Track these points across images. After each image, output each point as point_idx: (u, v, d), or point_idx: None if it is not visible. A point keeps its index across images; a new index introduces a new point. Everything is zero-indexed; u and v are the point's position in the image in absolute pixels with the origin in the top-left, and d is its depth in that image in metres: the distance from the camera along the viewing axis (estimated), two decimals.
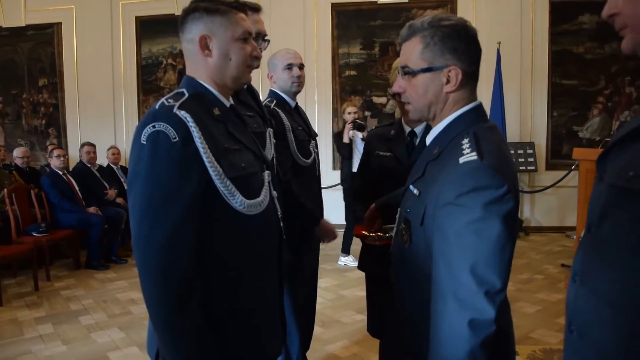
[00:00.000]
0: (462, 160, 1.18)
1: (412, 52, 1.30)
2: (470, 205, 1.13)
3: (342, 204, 6.36)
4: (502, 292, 1.14)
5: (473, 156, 1.17)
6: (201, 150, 1.30)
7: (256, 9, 2.17)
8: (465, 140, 1.22)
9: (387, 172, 2.27)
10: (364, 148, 2.53)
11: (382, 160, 2.35)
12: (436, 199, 1.21)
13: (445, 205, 1.17)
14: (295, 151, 2.56)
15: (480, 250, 1.13)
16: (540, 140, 7.25)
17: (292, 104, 2.72)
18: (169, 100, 1.35)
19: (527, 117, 7.26)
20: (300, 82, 2.67)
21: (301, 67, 2.67)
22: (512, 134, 7.08)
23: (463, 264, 1.14)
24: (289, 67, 2.62)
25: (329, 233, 2.61)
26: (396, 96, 2.20)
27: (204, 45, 1.41)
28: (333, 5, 7.52)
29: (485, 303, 1.12)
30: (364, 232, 2.04)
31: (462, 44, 1.26)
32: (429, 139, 1.37)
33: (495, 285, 1.13)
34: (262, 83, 6.83)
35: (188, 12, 1.43)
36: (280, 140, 2.42)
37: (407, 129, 2.27)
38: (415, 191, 1.32)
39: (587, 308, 0.96)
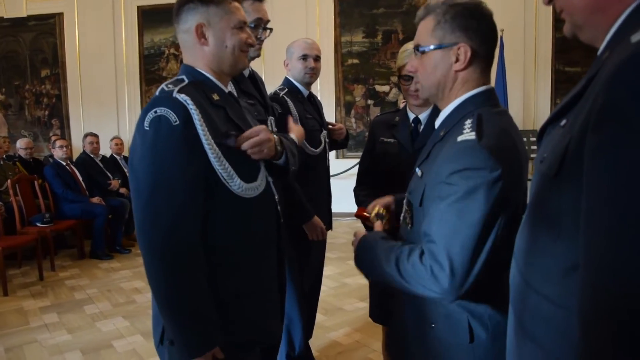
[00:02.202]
0: (459, 138, 1.19)
1: (425, 30, 1.31)
2: (459, 184, 1.14)
3: (347, 192, 6.35)
4: (468, 277, 1.15)
5: (471, 136, 1.17)
6: (201, 133, 1.31)
7: None
8: (469, 121, 1.23)
9: (390, 159, 2.27)
10: (369, 134, 2.54)
11: (385, 147, 2.35)
12: (434, 178, 1.22)
13: (438, 184, 1.19)
14: (303, 141, 2.55)
15: (458, 232, 1.14)
16: None
17: (305, 92, 2.72)
18: (169, 85, 1.38)
19: (531, 105, 7.22)
20: (313, 73, 2.69)
21: (317, 58, 2.68)
22: (515, 122, 7.01)
23: (440, 241, 1.16)
24: (304, 57, 2.64)
25: (316, 231, 2.56)
26: (401, 79, 2.21)
27: (200, 33, 1.43)
28: None
29: (446, 281, 1.15)
30: (365, 213, 2.04)
31: (474, 22, 1.26)
32: (437, 122, 1.38)
33: (463, 268, 1.14)
34: (265, 73, 6.82)
35: (183, 3, 1.45)
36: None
37: (412, 116, 2.27)
38: (419, 172, 1.33)
39: (516, 286, 0.99)
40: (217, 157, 1.34)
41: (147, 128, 1.30)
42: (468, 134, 1.19)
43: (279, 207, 1.58)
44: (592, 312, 0.70)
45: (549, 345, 0.88)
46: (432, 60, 1.30)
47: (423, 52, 1.31)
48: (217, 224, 1.39)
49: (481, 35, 1.27)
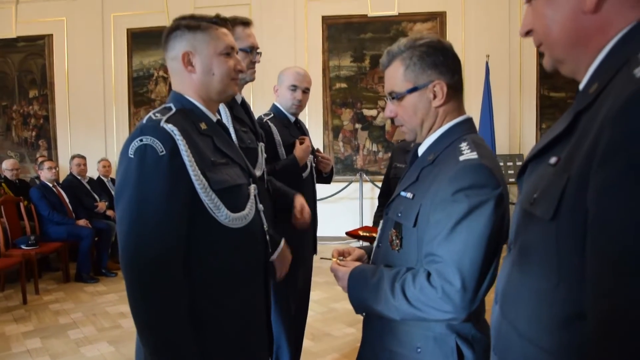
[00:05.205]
0: (462, 158, 1.24)
1: (395, 76, 1.35)
2: (466, 201, 1.18)
3: (334, 216, 6.37)
4: (479, 292, 1.19)
5: (474, 155, 1.23)
6: (187, 163, 1.31)
7: (247, 23, 2.20)
8: (464, 144, 1.28)
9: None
10: (389, 159, 2.80)
11: (397, 171, 2.60)
12: (433, 197, 1.24)
13: (442, 202, 1.21)
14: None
15: (467, 248, 1.17)
16: (529, 152, 7.28)
17: (292, 119, 2.75)
18: (157, 114, 1.37)
19: (516, 129, 7.32)
20: (299, 105, 2.71)
21: (306, 90, 2.70)
22: (501, 146, 7.14)
23: (450, 259, 1.18)
24: (294, 88, 2.65)
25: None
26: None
27: (187, 61, 1.43)
28: (324, 18, 7.57)
29: (458, 298, 1.17)
30: (360, 232, 2.10)
31: (441, 57, 1.31)
32: (422, 149, 1.41)
33: (474, 283, 1.17)
34: (254, 96, 6.86)
35: (171, 31, 1.46)
36: (271, 154, 2.44)
37: None
38: (409, 195, 1.34)
39: (502, 333, 0.94)
40: (204, 187, 1.34)
41: (132, 156, 1.29)
42: (469, 154, 1.24)
43: (267, 237, 1.57)
44: None
45: None
46: (410, 102, 1.34)
47: (400, 98, 1.35)
48: (202, 253, 1.38)
49: (450, 68, 1.32)
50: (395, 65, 1.34)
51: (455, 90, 1.35)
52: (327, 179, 2.98)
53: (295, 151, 2.56)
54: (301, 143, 2.65)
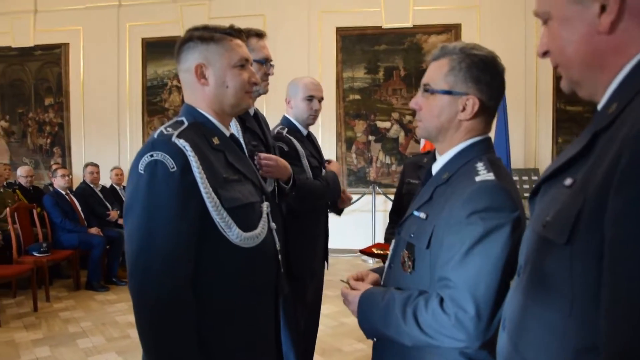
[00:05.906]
0: (478, 179, 1.19)
1: (437, 72, 1.31)
2: (481, 224, 1.14)
3: (346, 228, 6.30)
4: (494, 319, 1.14)
5: (490, 176, 1.19)
6: (199, 180, 1.27)
7: (261, 34, 2.19)
8: (480, 164, 1.24)
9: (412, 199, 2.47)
10: (400, 175, 2.76)
11: (410, 187, 2.54)
12: (447, 218, 1.20)
13: (456, 224, 1.17)
14: (311, 178, 2.54)
15: (482, 273, 1.13)
16: (545, 166, 7.19)
17: (304, 132, 2.70)
18: (168, 129, 1.33)
19: (532, 143, 7.24)
20: (316, 115, 2.68)
21: (320, 100, 2.67)
22: (517, 160, 7.05)
23: (464, 285, 1.14)
24: (310, 98, 2.61)
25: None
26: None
27: (200, 74, 1.40)
28: (338, 29, 7.57)
29: (471, 326, 1.13)
30: (373, 249, 2.08)
31: (488, 76, 1.27)
32: (436, 167, 1.37)
33: (489, 310, 1.13)
34: (267, 108, 6.86)
35: (183, 42, 1.42)
36: (294, 167, 2.39)
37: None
38: (422, 215, 1.30)
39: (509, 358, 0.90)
40: (215, 205, 1.29)
41: (142, 172, 1.26)
42: (485, 174, 1.20)
43: (279, 257, 1.53)
44: None
45: None
46: (438, 103, 1.30)
47: (432, 93, 1.31)
48: (212, 272, 1.34)
49: (492, 90, 1.28)
50: (442, 62, 1.30)
51: (485, 113, 1.31)
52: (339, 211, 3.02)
53: (330, 166, 2.67)
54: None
